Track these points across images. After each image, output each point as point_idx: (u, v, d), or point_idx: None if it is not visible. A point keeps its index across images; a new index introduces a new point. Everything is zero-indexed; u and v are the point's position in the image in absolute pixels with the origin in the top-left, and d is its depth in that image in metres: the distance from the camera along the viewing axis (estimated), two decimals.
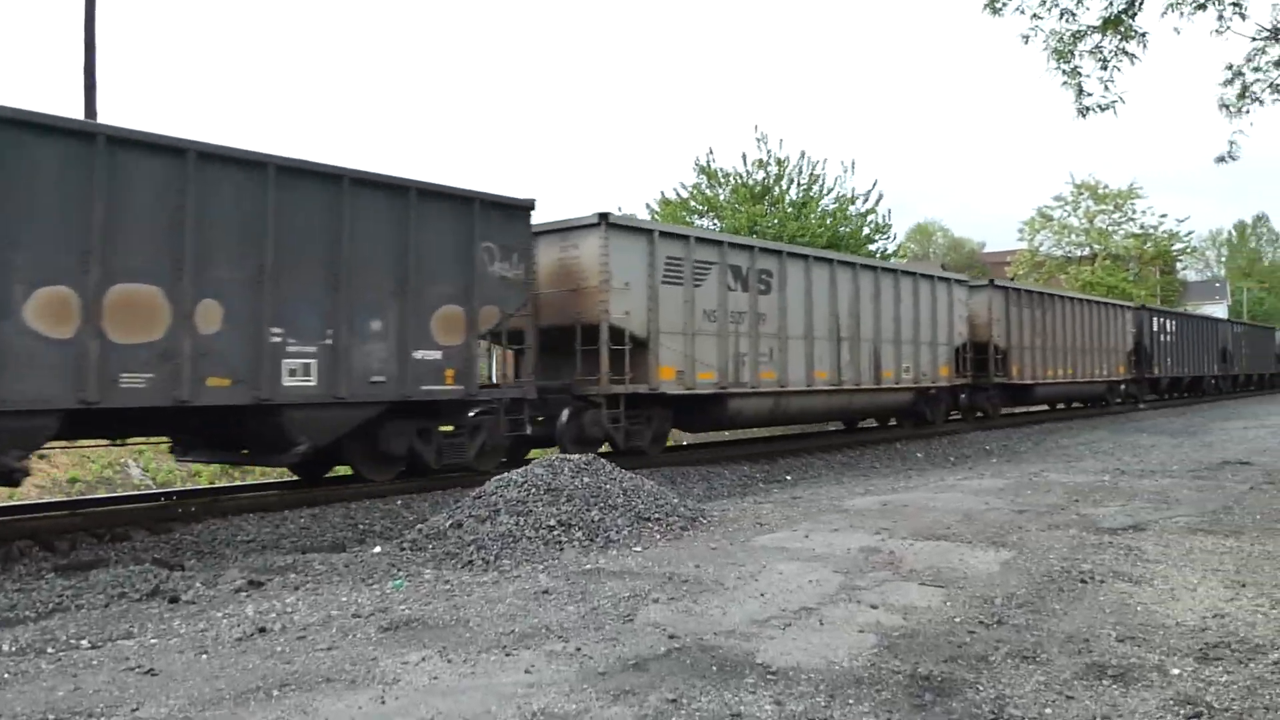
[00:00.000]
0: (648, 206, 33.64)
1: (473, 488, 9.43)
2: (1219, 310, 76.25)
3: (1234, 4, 13.94)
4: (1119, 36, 13.44)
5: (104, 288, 9.04)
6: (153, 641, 5.83)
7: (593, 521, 8.42)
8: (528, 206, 13.34)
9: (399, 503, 11.76)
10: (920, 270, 22.98)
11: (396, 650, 5.40)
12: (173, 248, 9.57)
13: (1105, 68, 13.70)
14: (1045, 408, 31.28)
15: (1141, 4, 13.33)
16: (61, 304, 8.76)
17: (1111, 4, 13.36)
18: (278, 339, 10.32)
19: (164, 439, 12.23)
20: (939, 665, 5.07)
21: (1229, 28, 14.12)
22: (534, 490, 8.69)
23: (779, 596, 6.46)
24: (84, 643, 5.88)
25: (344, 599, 6.70)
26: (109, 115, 22.69)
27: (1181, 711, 4.49)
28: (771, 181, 32.93)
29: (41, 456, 13.57)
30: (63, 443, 10.65)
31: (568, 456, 9.46)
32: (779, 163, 33.05)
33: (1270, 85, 14.71)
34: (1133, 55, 13.58)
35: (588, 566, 7.48)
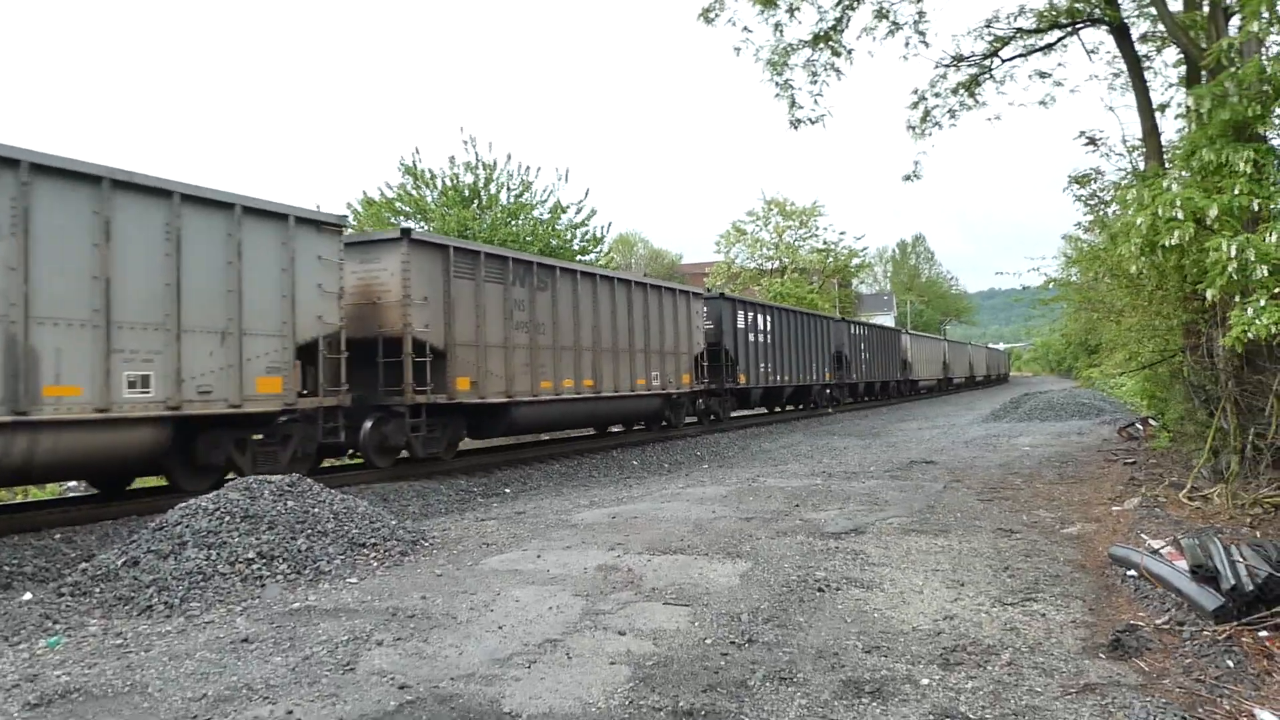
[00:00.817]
0: (349, 206, 31.95)
1: (152, 516, 8.11)
2: (888, 320, 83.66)
3: (918, 32, 14.96)
4: (829, 51, 14.05)
5: None
6: None
7: (300, 551, 7.44)
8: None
9: (57, 536, 9.93)
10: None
11: None
12: None
13: (815, 82, 14.29)
14: (764, 410, 32.95)
15: (848, 22, 14.01)
16: None
17: (822, 19, 13.97)
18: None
19: None
20: (699, 696, 4.70)
21: (916, 54, 15.13)
22: (228, 518, 7.54)
23: (519, 628, 5.89)
24: None
25: None
26: None
27: None
28: (481, 185, 32.27)
29: None
30: None
31: (269, 478, 8.38)
32: (487, 167, 32.45)
33: (948, 110, 15.91)
34: (839, 71, 14.26)
35: (295, 605, 6.55)
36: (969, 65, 15.40)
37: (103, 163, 10.47)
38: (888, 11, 14.11)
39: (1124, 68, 14.30)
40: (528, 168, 33.33)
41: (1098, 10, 13.83)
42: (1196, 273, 10.26)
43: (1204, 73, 12.01)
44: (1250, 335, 8.13)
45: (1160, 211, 8.79)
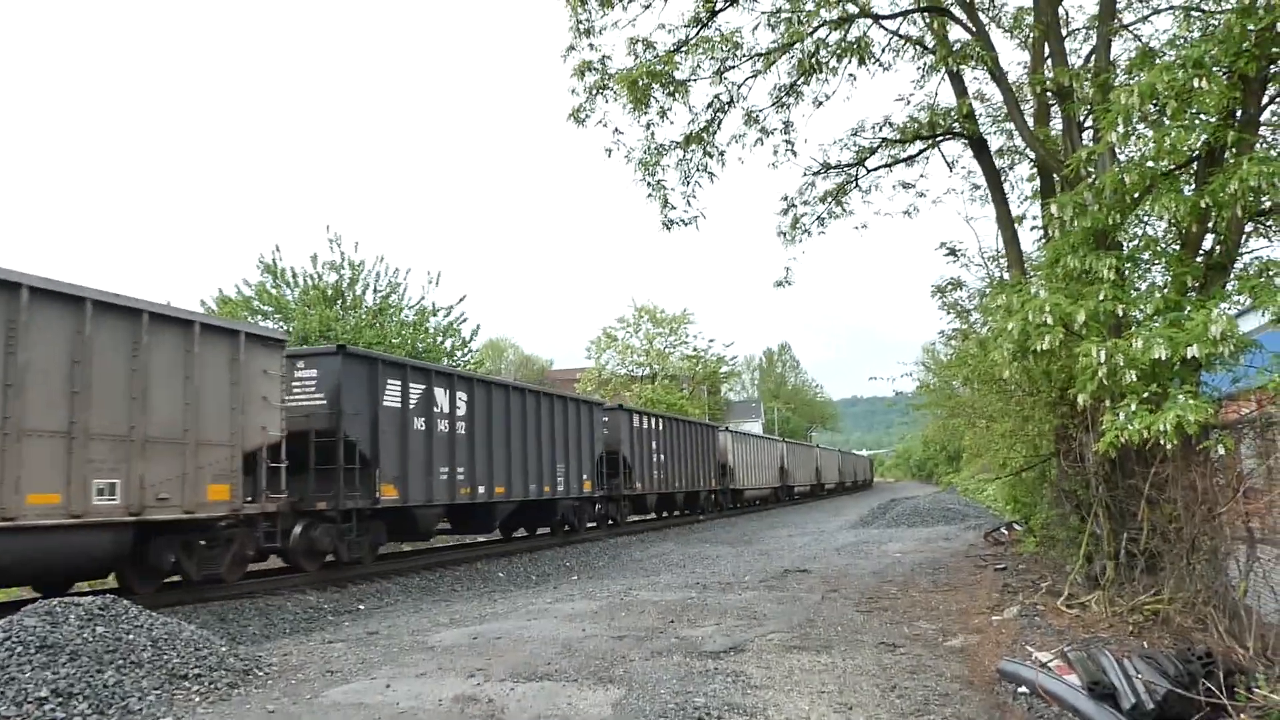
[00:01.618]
0: (203, 303, 30.48)
1: None
2: (755, 427, 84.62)
3: (786, 141, 15.14)
4: (702, 153, 14.00)
5: None
6: None
7: (106, 687, 6.40)
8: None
9: None
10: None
11: None
12: None
13: (688, 183, 14.19)
14: (653, 515, 33.03)
15: (720, 125, 14.03)
16: None
17: (694, 120, 13.93)
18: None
19: None
20: None
21: (784, 161, 15.27)
22: (20, 648, 6.46)
23: None
24: None
25: None
26: None
27: None
28: (345, 285, 31.31)
29: None
30: None
31: (76, 601, 7.31)
32: (353, 266, 31.56)
33: (817, 218, 16.06)
34: (712, 174, 14.21)
35: None
36: (836, 174, 15.64)
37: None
38: (757, 117, 14.22)
39: (983, 181, 14.73)
40: (396, 269, 32.58)
41: (957, 125, 14.25)
42: (1065, 378, 10.33)
43: (1060, 184, 12.40)
44: (1123, 440, 8.07)
45: (1031, 317, 8.77)
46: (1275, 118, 11.09)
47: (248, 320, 28.12)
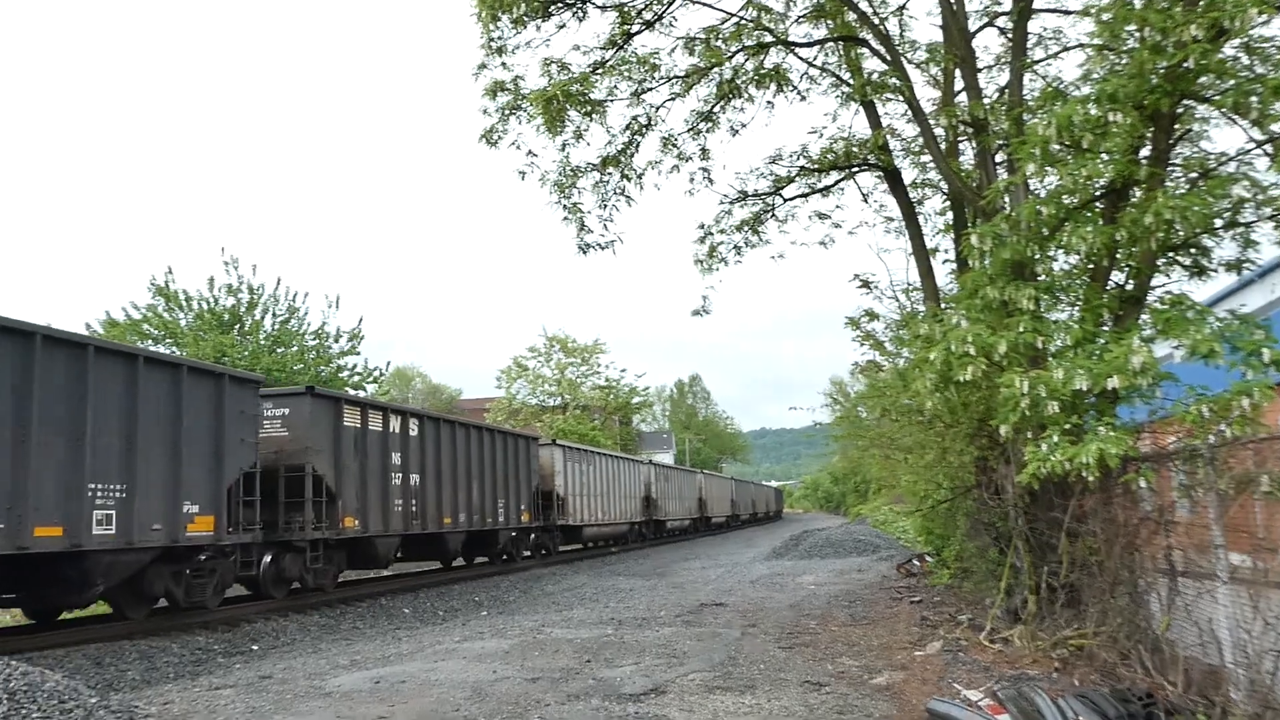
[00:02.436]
0: (88, 326, 29.08)
1: None
2: (667, 457, 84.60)
3: (702, 169, 15.02)
4: (620, 175, 13.74)
5: None
6: None
7: None
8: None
9: None
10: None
11: None
12: None
13: (605, 206, 13.91)
14: (579, 546, 33.78)
15: (638, 148, 13.80)
16: None
17: (611, 142, 13.67)
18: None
19: None
20: None
21: (701, 189, 15.12)
22: None
23: None
24: None
25: None
26: None
27: None
28: (243, 310, 30.22)
29: None
30: None
31: None
32: (251, 290, 30.49)
33: (734, 246, 15.94)
34: (630, 198, 13.96)
35: None
36: (753, 203, 15.55)
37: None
38: (675, 141, 14.05)
39: (897, 213, 14.80)
40: (295, 293, 31.53)
41: (872, 156, 14.30)
42: (984, 409, 10.29)
43: (973, 217, 12.47)
44: (1044, 471, 8.00)
45: (954, 347, 8.69)
46: (1179, 157, 11.30)
47: (137, 344, 26.92)
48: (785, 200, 15.63)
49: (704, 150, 14.60)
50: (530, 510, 26.57)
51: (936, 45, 13.38)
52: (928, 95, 13.85)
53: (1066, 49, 13.62)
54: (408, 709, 7.62)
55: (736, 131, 14.23)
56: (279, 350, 29.72)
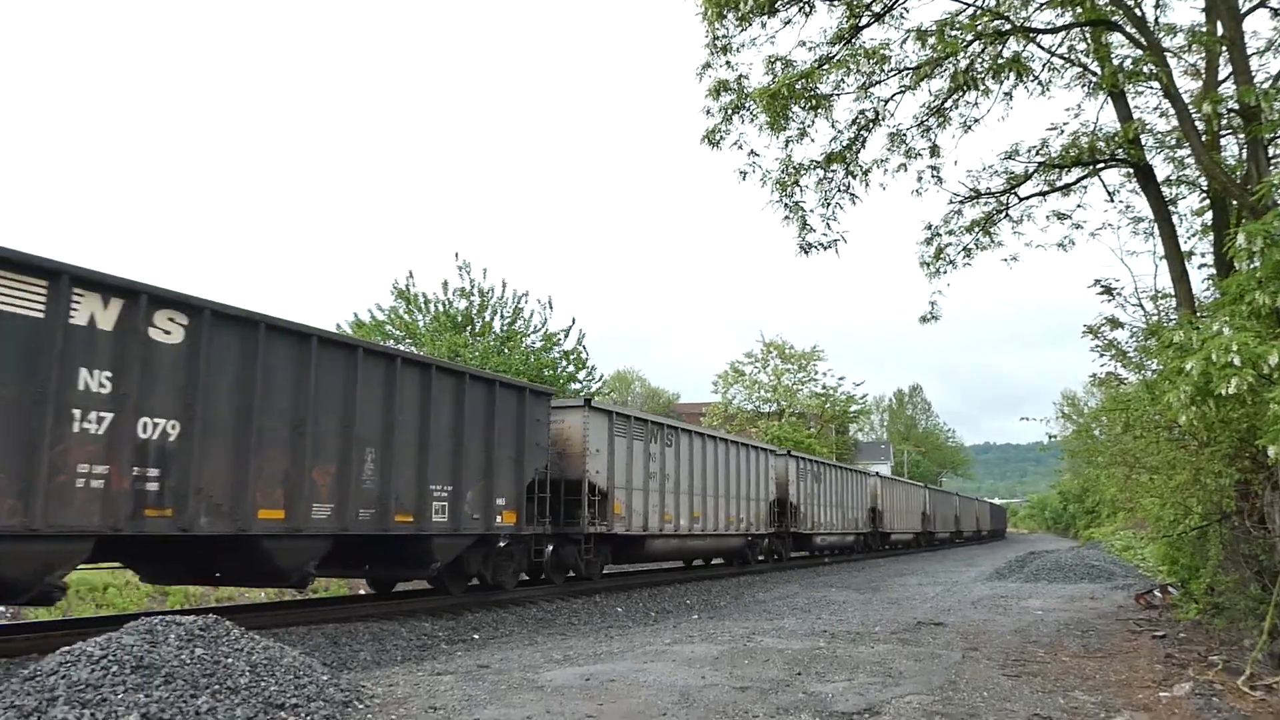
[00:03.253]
0: (339, 326, 31.18)
1: (31, 657, 6.77)
2: (884, 470, 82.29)
3: (931, 167, 14.31)
4: (844, 172, 13.32)
5: None
6: None
7: (198, 714, 6.10)
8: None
9: None
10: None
11: None
12: None
13: (828, 205, 13.53)
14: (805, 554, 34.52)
15: (864, 143, 13.33)
16: None
17: (837, 138, 13.26)
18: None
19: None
20: None
21: (928, 188, 14.44)
22: (115, 668, 6.22)
23: None
24: None
25: None
26: None
27: None
28: (474, 312, 31.59)
29: None
30: None
31: (178, 620, 7.10)
32: (482, 293, 31.84)
33: (963, 249, 15.16)
34: (854, 195, 13.51)
35: None
36: (985, 202, 14.72)
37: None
38: (904, 137, 13.44)
39: (1146, 212, 13.67)
40: (521, 295, 32.69)
41: (1121, 151, 13.23)
42: (1249, 428, 9.27)
43: (1238, 215, 11.29)
44: None
45: (1215, 357, 7.84)
46: None
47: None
48: (1021, 199, 14.72)
49: (934, 147, 13.93)
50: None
51: (1198, 28, 12.23)
52: (1183, 86, 12.69)
53: None
54: (615, 709, 7.59)
55: (969, 127, 13.50)
56: (505, 351, 30.86)
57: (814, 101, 12.33)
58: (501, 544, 16.44)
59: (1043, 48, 12.97)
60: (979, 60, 11.94)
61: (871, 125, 13.21)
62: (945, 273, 15.15)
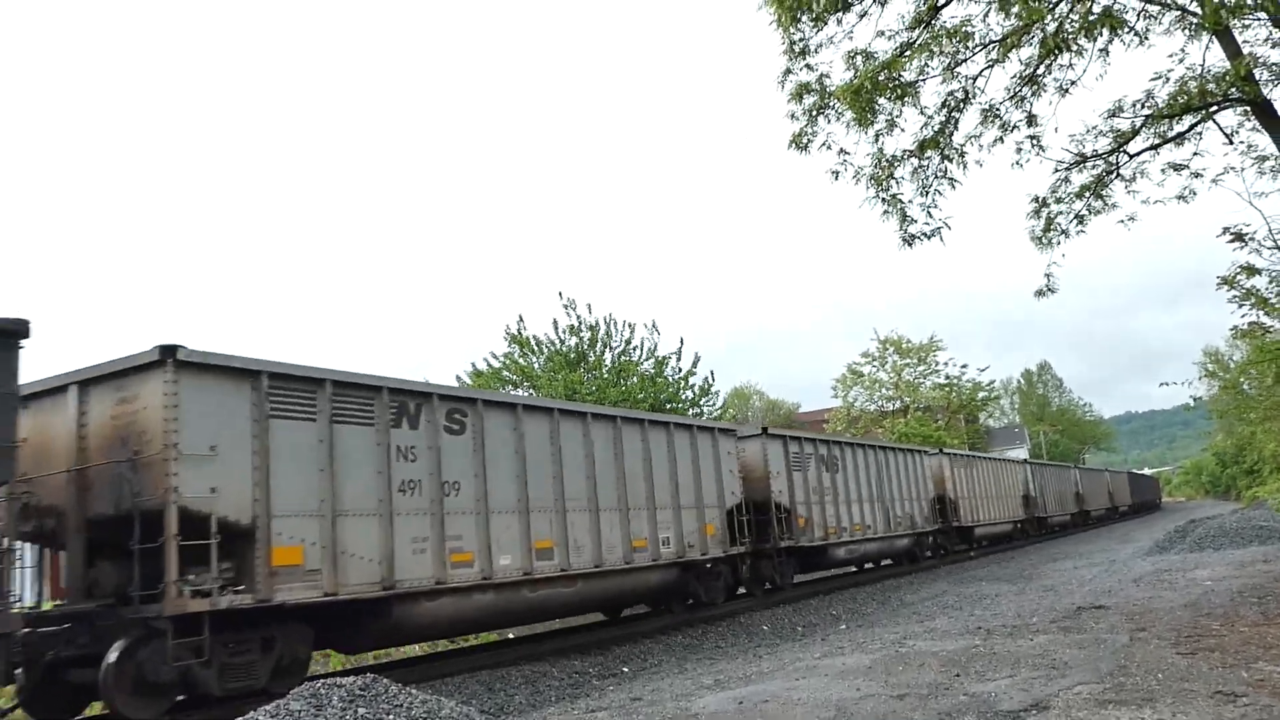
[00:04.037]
0: (458, 379, 31.82)
1: None
2: (1021, 454, 79.56)
3: (1030, 137, 13.77)
4: (940, 157, 12.93)
5: None
6: None
7: None
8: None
9: None
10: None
11: None
12: None
13: (926, 193, 13.15)
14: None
15: (957, 124, 12.92)
16: None
17: (930, 123, 12.87)
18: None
19: None
20: None
21: (1029, 159, 13.89)
22: None
23: None
24: None
25: None
26: None
27: None
28: (585, 347, 31.86)
29: None
30: None
31: (339, 682, 7.26)
32: (590, 328, 32.10)
33: (1075, 216, 14.54)
34: (953, 179, 13.09)
35: None
36: (1092, 165, 14.08)
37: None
38: (996, 111, 12.96)
39: (1273, 150, 12.85)
40: (630, 325, 32.81)
41: (1234, 90, 12.49)
42: None
43: None
44: None
45: None
46: None
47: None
48: (1131, 156, 14.03)
49: (1030, 117, 13.40)
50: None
51: None
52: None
53: None
54: None
55: (1066, 91, 12.92)
56: (622, 382, 31.00)
57: (899, 91, 12.02)
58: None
59: None
60: (1068, 21, 11.46)
61: (962, 105, 12.79)
62: (1058, 244, 14.55)
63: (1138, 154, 13.91)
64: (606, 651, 14.83)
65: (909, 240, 13.33)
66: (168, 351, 9.90)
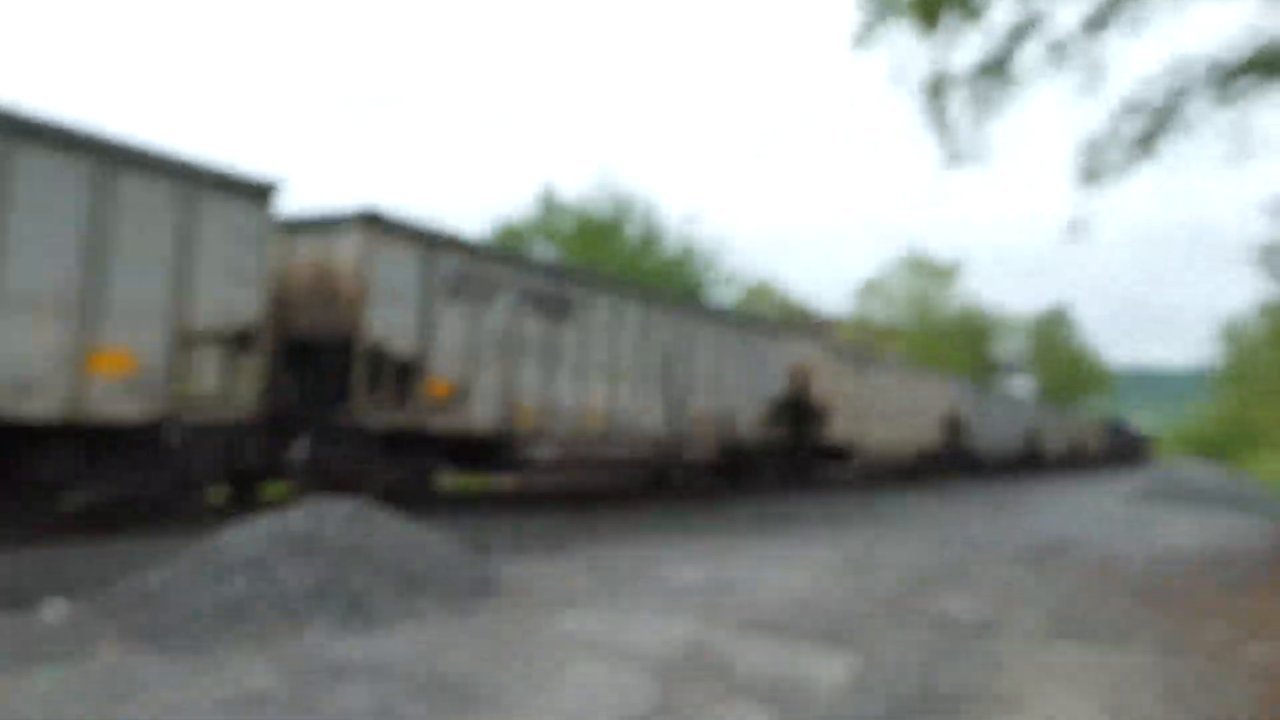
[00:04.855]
0: (489, 229, 31.98)
1: (214, 533, 7.32)
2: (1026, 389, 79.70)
3: (1091, 78, 13.46)
4: (998, 82, 12.72)
5: None
6: None
7: (354, 590, 6.62)
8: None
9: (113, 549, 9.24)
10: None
11: None
12: None
13: (976, 117, 12.95)
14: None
15: (1015, 54, 12.64)
16: None
17: (990, 50, 12.59)
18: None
19: None
20: None
21: (1085, 101, 13.61)
22: (285, 543, 6.77)
23: (574, 717, 4.92)
24: None
25: None
26: None
27: None
28: (617, 216, 31.96)
29: None
30: None
31: (337, 505, 7.61)
32: (622, 200, 32.09)
33: (1119, 165, 14.31)
34: (1003, 109, 12.89)
35: (332, 657, 5.73)
36: (1146, 116, 13.80)
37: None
38: (1063, 45, 12.66)
39: None
40: (654, 204, 32.92)
41: None
42: None
43: None
44: None
45: None
46: None
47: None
48: (1185, 113, 13.75)
49: (1094, 59, 13.10)
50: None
51: None
52: None
53: None
54: (735, 608, 7.84)
55: (1137, 29, 12.60)
56: (641, 262, 31.19)
57: (966, 10, 11.76)
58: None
59: None
60: None
61: (1026, 32, 12.50)
62: (1099, 189, 14.40)
63: (1192, 110, 13.61)
64: (594, 512, 15.34)
65: (954, 159, 13.21)
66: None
